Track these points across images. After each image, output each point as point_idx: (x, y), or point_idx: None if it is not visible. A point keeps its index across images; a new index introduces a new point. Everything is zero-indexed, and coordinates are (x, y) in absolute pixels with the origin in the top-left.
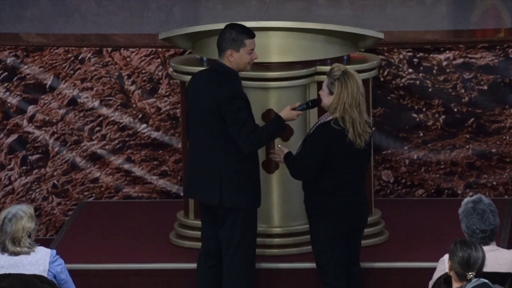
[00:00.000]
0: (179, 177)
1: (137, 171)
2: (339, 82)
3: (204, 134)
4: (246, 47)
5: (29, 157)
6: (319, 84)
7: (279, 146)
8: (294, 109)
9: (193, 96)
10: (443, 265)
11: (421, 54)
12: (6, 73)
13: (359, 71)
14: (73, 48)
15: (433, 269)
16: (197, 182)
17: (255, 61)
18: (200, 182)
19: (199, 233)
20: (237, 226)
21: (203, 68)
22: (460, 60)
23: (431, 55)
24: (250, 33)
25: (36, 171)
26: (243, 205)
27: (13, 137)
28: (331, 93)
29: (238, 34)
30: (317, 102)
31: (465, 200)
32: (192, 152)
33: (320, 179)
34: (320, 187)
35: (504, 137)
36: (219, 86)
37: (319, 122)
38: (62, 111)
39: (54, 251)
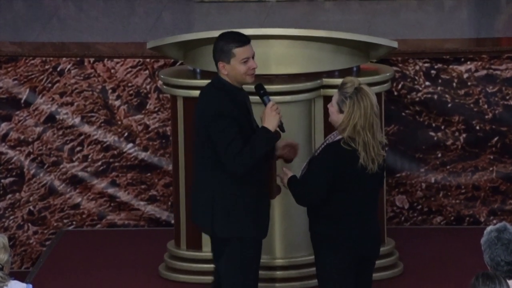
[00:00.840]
0: (169, 203)
1: (123, 196)
2: (351, 100)
3: (197, 154)
4: (236, 57)
5: (2, 180)
6: (326, 99)
7: (284, 168)
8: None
9: (195, 113)
10: None
11: (439, 65)
12: None
13: (371, 84)
14: (51, 58)
15: None
16: (194, 206)
17: (256, 71)
18: (196, 207)
19: (192, 265)
20: (233, 258)
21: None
22: (483, 72)
23: (451, 66)
24: (239, 40)
25: (10, 196)
26: (236, 235)
27: None
28: (341, 111)
29: (226, 44)
30: (261, 85)
31: (488, 228)
32: (193, 173)
33: (328, 204)
34: (328, 213)
35: None
36: (207, 103)
37: (327, 142)
38: (39, 129)
39: (30, 286)
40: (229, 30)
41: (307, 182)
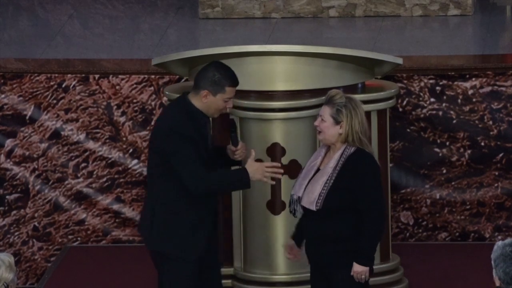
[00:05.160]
0: None
1: (128, 212)
2: (347, 109)
3: (148, 164)
4: (224, 94)
5: (7, 196)
6: None
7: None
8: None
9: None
10: None
11: (444, 81)
12: None
13: (375, 100)
14: (56, 75)
15: None
16: (140, 216)
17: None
18: (141, 217)
19: None
20: (164, 277)
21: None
22: (488, 89)
23: (456, 82)
24: (234, 80)
25: (14, 212)
26: (166, 252)
27: None
28: (337, 122)
29: (222, 78)
30: (234, 123)
31: (500, 243)
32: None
33: (355, 219)
34: (354, 229)
35: None
36: (166, 118)
37: (345, 156)
38: (43, 145)
39: None
40: (223, 63)
41: (376, 209)
